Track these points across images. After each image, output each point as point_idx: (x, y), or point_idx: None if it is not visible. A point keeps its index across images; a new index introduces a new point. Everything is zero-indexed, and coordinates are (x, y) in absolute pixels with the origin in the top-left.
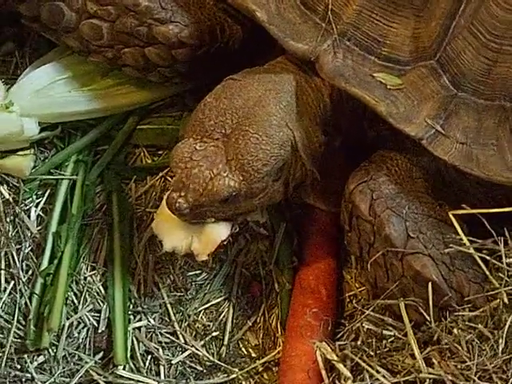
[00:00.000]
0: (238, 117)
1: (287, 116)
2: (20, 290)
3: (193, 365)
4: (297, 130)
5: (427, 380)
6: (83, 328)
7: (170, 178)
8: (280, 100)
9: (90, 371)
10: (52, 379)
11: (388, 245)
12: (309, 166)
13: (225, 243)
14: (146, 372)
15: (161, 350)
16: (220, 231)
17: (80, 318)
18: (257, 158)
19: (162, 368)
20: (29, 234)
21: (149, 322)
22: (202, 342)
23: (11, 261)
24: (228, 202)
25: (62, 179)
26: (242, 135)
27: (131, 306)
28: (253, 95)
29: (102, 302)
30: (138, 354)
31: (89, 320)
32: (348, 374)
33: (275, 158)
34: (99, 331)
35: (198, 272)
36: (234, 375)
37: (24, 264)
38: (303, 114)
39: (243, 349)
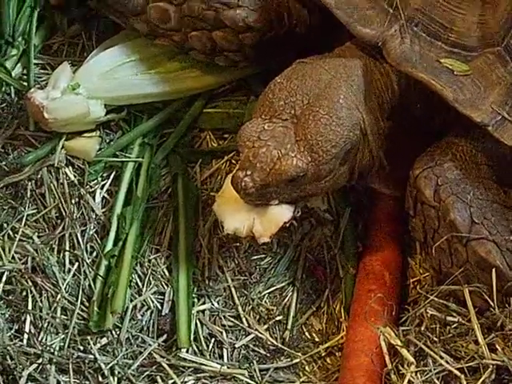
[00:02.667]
0: (309, 98)
1: (357, 99)
2: (84, 271)
3: (256, 349)
4: (366, 114)
5: (491, 366)
6: (147, 310)
7: (235, 162)
8: (351, 83)
9: (153, 353)
10: (115, 361)
11: (452, 230)
12: (376, 151)
13: (287, 226)
14: (209, 355)
15: (224, 333)
16: (283, 213)
17: (144, 300)
18: (326, 138)
19: (225, 351)
20: (93, 216)
21: (213, 305)
22: (266, 326)
23: (76, 242)
24: (294, 184)
25: (128, 162)
26: (313, 116)
27: (195, 289)
28: (324, 77)
29: (166, 284)
30: (202, 337)
31: (152, 302)
32: (411, 359)
33: (344, 140)
34: (163, 314)
35: (262, 256)
36: (297, 359)
37: (88, 246)
38: (372, 98)
39: (307, 333)
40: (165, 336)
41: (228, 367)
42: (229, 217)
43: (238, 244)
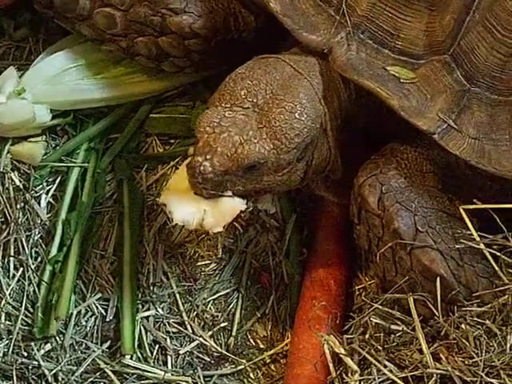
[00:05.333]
0: (273, 87)
1: (319, 93)
2: (29, 277)
3: (200, 355)
4: (327, 109)
5: (434, 375)
6: (91, 316)
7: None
8: (312, 77)
9: (97, 360)
10: (59, 367)
11: (397, 238)
12: (334, 148)
13: (241, 215)
14: (154, 362)
15: (168, 339)
16: (235, 205)
17: (88, 306)
18: (290, 126)
19: (169, 358)
20: (38, 221)
21: (157, 311)
22: (210, 333)
23: (20, 248)
24: (253, 172)
25: (73, 167)
26: (277, 104)
27: (140, 295)
28: (287, 69)
29: (111, 290)
30: (146, 344)
31: (97, 308)
32: (355, 367)
33: (307, 130)
34: (107, 320)
35: (207, 262)
36: (241, 366)
37: (33, 251)
38: (332, 95)
39: (251, 340)
40: (109, 342)
41: (172, 374)
42: (177, 208)
43: (183, 250)
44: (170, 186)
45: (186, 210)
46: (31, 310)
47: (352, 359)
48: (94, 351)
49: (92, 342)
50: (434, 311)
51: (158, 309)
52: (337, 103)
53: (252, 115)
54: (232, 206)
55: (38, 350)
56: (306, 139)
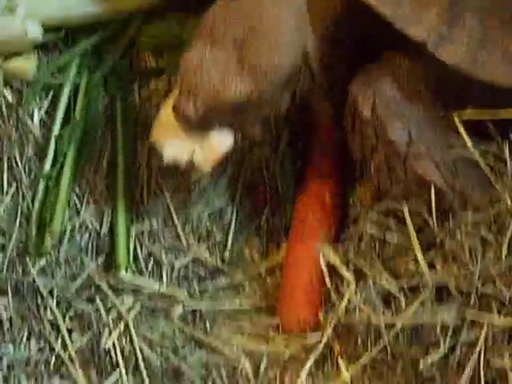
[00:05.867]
0: (251, 22)
1: (301, 22)
2: (22, 193)
3: (195, 269)
4: (310, 37)
5: (430, 284)
6: (85, 231)
7: (175, 81)
8: (293, 6)
9: (92, 274)
10: (54, 282)
11: (390, 148)
12: (318, 76)
13: (228, 153)
14: (149, 275)
15: (163, 253)
16: (223, 140)
17: (82, 221)
18: (270, 62)
19: (164, 271)
20: (31, 138)
21: (152, 224)
22: (206, 246)
23: (14, 164)
24: (237, 110)
25: (65, 83)
26: (257, 39)
27: (134, 209)
28: (264, 2)
29: (105, 205)
30: (141, 258)
31: (91, 223)
32: (351, 278)
33: (288, 63)
34: (101, 234)
35: (201, 175)
36: (237, 279)
37: (26, 167)
38: (316, 21)
39: (247, 253)
40: (104, 257)
41: (167, 287)
42: (167, 145)
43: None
44: (159, 123)
45: (175, 147)
46: (25, 226)
47: (347, 270)
48: (88, 266)
49: (87, 256)
50: (429, 220)
51: (153, 222)
52: (326, 26)
53: (233, 53)
54: (220, 141)
55: (32, 266)
56: (288, 72)
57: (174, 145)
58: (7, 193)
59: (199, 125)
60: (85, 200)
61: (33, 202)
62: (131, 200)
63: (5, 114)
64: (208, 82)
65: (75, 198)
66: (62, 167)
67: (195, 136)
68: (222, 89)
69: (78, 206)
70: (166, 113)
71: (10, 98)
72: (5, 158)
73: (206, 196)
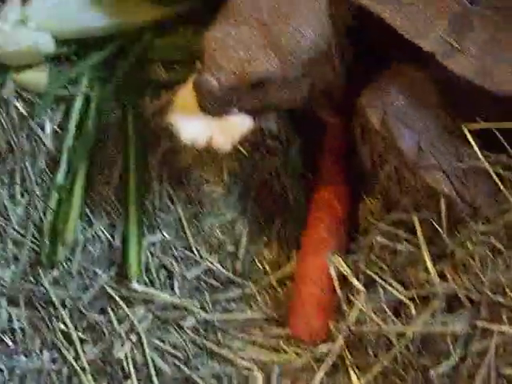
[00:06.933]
0: (277, 2)
1: (325, 9)
2: (35, 204)
3: (207, 279)
4: (332, 26)
5: (440, 294)
6: (98, 242)
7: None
8: None
9: (104, 285)
10: (66, 293)
11: (400, 158)
12: (338, 67)
13: (247, 137)
14: (161, 286)
15: (175, 264)
16: (242, 122)
17: (95, 232)
18: (295, 41)
19: (176, 282)
20: (44, 149)
21: (163, 236)
22: (217, 257)
23: (26, 175)
24: (258, 89)
25: (77, 94)
26: (282, 19)
27: (146, 221)
28: None
29: (117, 216)
30: (153, 269)
31: (104, 234)
32: (361, 287)
33: (313, 45)
34: (114, 245)
35: (212, 186)
36: (248, 290)
37: (39, 178)
38: (335, 13)
39: (258, 263)
40: (116, 268)
41: (179, 298)
42: (185, 127)
43: (188, 175)
44: (177, 104)
45: (193, 128)
46: (38, 236)
47: (358, 279)
48: (101, 277)
49: (99, 267)
50: (439, 230)
51: (165, 233)
52: (340, 22)
53: (257, 31)
54: (239, 123)
55: (45, 277)
56: (311, 54)
57: (193, 125)
58: (20, 204)
59: (220, 103)
60: (97, 211)
61: (45, 213)
62: (143, 211)
63: (17, 125)
64: (233, 58)
65: (87, 209)
66: (74, 178)
67: (214, 118)
68: (247, 64)
69: (91, 217)
70: (184, 95)
71: (22, 109)
72: (17, 170)
73: (217, 207)
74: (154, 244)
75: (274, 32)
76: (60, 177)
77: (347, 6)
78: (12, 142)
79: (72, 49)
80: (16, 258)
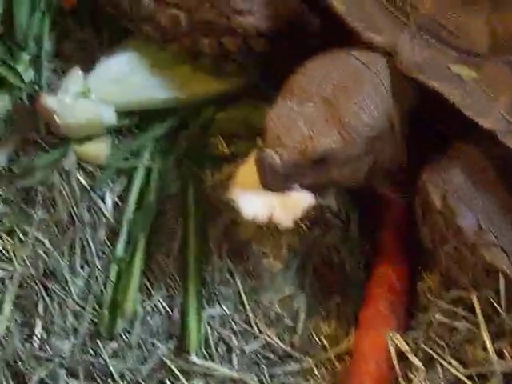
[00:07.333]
0: (342, 81)
1: (387, 88)
2: (95, 275)
3: (265, 353)
4: (394, 104)
5: (499, 372)
6: (157, 314)
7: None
8: (380, 72)
9: (163, 358)
10: (125, 365)
11: (460, 236)
12: (401, 145)
13: (307, 212)
14: (219, 360)
15: (234, 337)
16: (304, 198)
17: (154, 304)
18: (360, 120)
19: (234, 356)
20: (104, 221)
21: (222, 309)
22: (276, 331)
23: (86, 246)
24: (320, 165)
25: (139, 166)
26: (346, 97)
27: (205, 293)
28: (356, 63)
29: (176, 288)
30: (211, 342)
31: (163, 307)
32: (420, 365)
33: (375, 123)
34: (173, 318)
35: (272, 261)
36: (306, 364)
37: (99, 250)
38: (398, 92)
39: (316, 338)
40: (175, 340)
41: (237, 372)
42: (247, 202)
43: (247, 249)
44: (238, 179)
45: (255, 204)
46: (97, 308)
47: (417, 357)
48: (160, 349)
49: (158, 339)
50: (498, 308)
51: (224, 307)
52: (403, 99)
53: (321, 108)
54: (300, 199)
55: (104, 349)
56: (373, 133)
57: (254, 200)
58: (80, 275)
59: (282, 179)
60: (156, 283)
61: (105, 284)
62: (202, 284)
63: (78, 197)
64: (296, 134)
65: (147, 281)
66: (134, 250)
67: (275, 193)
68: (310, 140)
69: (150, 289)
70: (245, 170)
71: (83, 181)
72: (78, 241)
73: (276, 282)
74: (213, 317)
75: (338, 109)
76: (120, 248)
77: (410, 84)
78: (73, 214)
79: (133, 121)
80: (75, 330)
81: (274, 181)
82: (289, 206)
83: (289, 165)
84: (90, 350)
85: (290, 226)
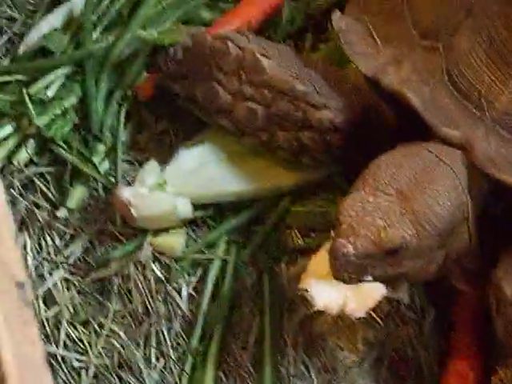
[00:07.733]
0: (416, 174)
1: (462, 182)
2: (170, 368)
3: None
4: (469, 197)
5: None
6: None
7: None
8: (455, 166)
9: None
10: None
11: None
12: (474, 237)
13: (380, 304)
14: None
15: None
16: (376, 288)
17: None
18: (433, 213)
19: None
20: (180, 313)
21: None
22: None
23: (162, 339)
24: (393, 257)
25: (214, 259)
26: (420, 190)
27: None
28: (430, 157)
29: (251, 381)
30: None
31: None
32: None
33: (450, 217)
34: None
35: (347, 354)
36: None
37: (174, 342)
38: (472, 186)
39: None
40: None
41: None
42: (319, 293)
43: (323, 342)
44: (311, 270)
45: (327, 295)
46: None
47: None
48: None
49: None
50: None
51: None
52: (478, 193)
53: (395, 201)
54: (373, 290)
55: None
56: (448, 226)
57: (326, 291)
58: (155, 367)
59: (355, 269)
60: (231, 376)
61: (180, 377)
62: (277, 377)
63: (153, 289)
64: (369, 224)
65: (222, 374)
66: (209, 343)
67: (347, 284)
68: (384, 231)
69: (225, 382)
70: (317, 261)
71: (158, 273)
72: (153, 333)
73: (351, 375)
74: None
75: (412, 202)
76: (195, 340)
77: (485, 178)
78: (148, 305)
79: (209, 213)
80: None
81: (346, 271)
82: (361, 297)
83: (362, 255)
84: None
85: (363, 318)
